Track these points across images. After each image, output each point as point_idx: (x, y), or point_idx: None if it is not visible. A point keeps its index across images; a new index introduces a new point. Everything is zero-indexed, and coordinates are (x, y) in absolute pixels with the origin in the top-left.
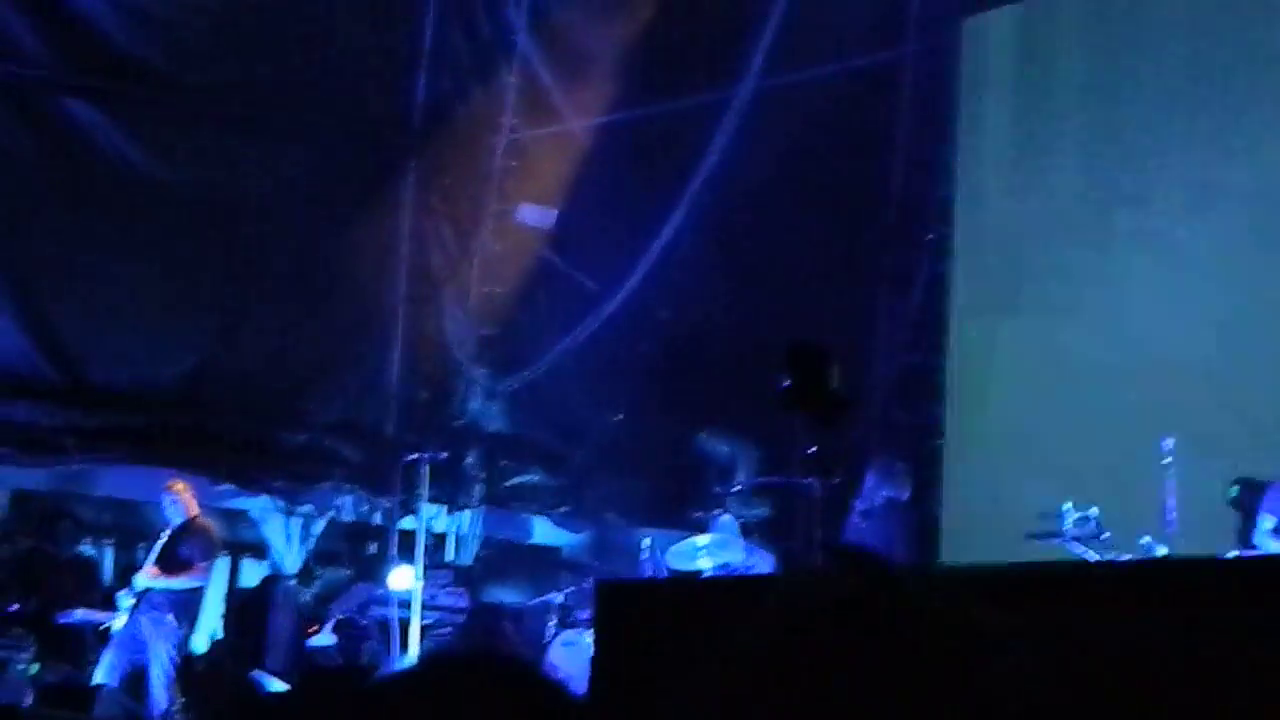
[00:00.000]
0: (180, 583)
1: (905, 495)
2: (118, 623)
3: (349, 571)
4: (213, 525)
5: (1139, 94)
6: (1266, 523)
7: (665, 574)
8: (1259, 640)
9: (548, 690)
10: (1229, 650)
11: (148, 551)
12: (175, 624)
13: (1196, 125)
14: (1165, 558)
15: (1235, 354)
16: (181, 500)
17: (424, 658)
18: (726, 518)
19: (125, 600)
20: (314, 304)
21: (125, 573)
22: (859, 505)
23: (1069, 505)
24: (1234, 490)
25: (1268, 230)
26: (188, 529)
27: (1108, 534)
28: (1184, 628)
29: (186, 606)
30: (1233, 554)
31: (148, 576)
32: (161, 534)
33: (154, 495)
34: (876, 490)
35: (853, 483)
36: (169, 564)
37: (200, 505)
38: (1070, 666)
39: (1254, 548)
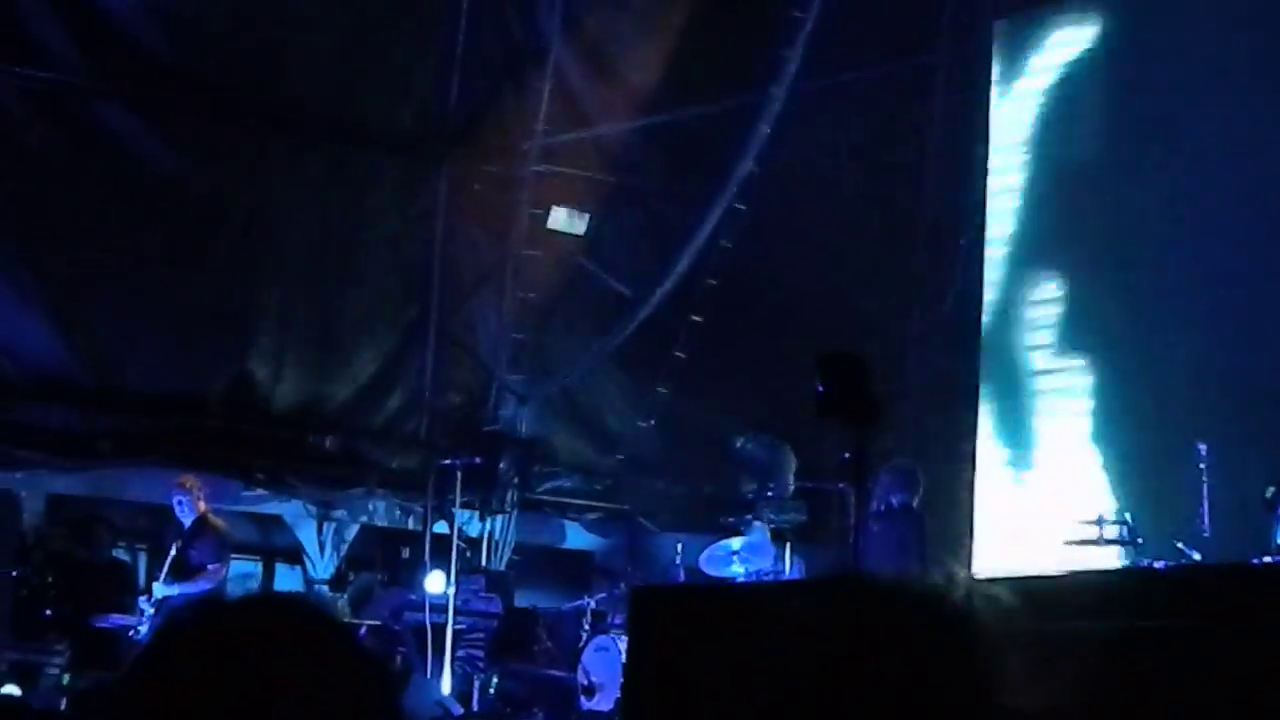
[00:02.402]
0: (196, 587)
1: (916, 499)
2: (144, 627)
3: (382, 577)
4: (222, 524)
5: (1170, 96)
6: None
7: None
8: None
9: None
10: (1260, 656)
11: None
12: None
13: (1230, 128)
14: (1198, 564)
15: (1268, 356)
16: (191, 499)
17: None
18: (758, 524)
19: (147, 609)
20: (347, 308)
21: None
22: (872, 508)
23: (1104, 511)
24: (1270, 492)
25: None
26: (197, 532)
27: (1142, 539)
28: (1220, 634)
29: None
30: (1266, 559)
31: (164, 585)
32: (174, 542)
33: None
34: (887, 494)
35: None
36: (182, 570)
37: (230, 509)
38: (1111, 673)
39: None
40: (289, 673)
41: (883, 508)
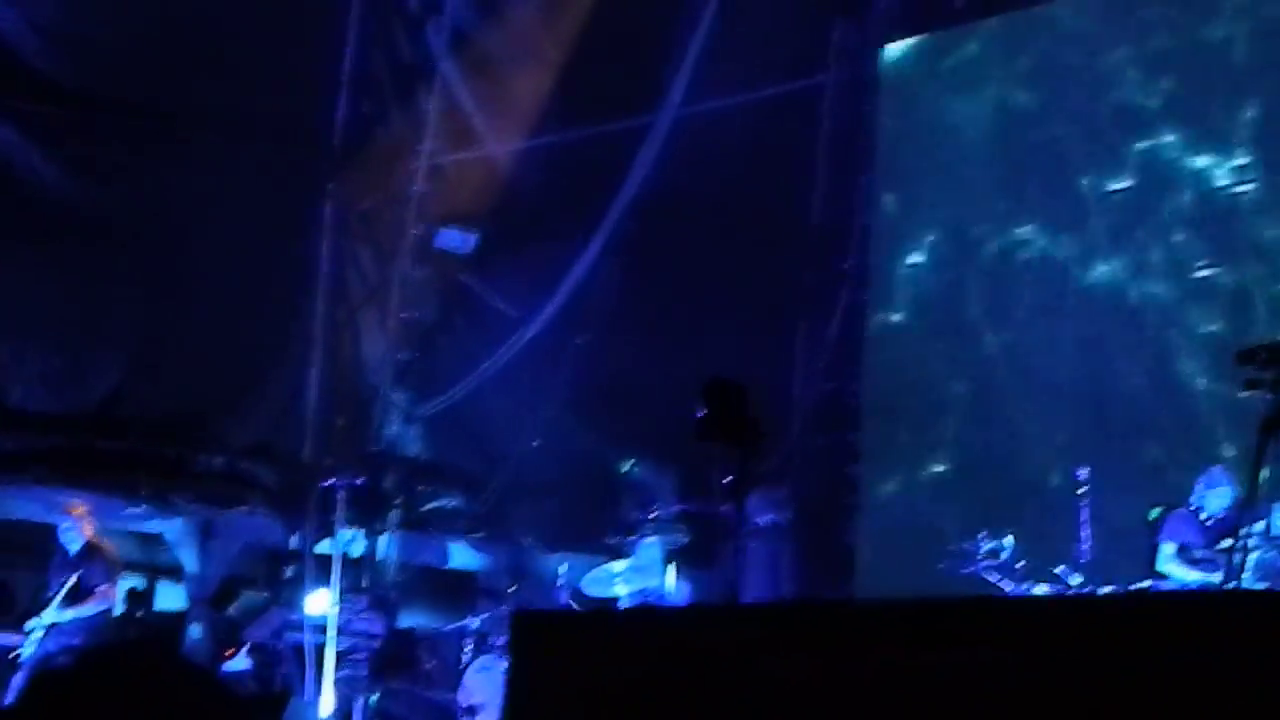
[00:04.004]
0: (87, 609)
1: (785, 519)
2: (27, 649)
3: (265, 595)
4: (110, 545)
5: (1053, 122)
6: (1168, 548)
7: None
8: (1166, 678)
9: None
10: (1138, 688)
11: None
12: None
13: (1111, 155)
14: (1080, 594)
15: (1148, 384)
16: (79, 525)
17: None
18: (652, 539)
19: (37, 631)
20: (231, 326)
21: (39, 596)
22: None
23: (983, 534)
24: (1154, 513)
25: (1182, 266)
26: (87, 555)
27: (1022, 563)
28: (1096, 663)
29: (96, 629)
30: (1146, 583)
31: (56, 610)
32: (58, 566)
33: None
34: (759, 513)
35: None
36: (74, 594)
37: (112, 528)
38: (984, 701)
39: (1161, 575)
40: None
41: (753, 526)
